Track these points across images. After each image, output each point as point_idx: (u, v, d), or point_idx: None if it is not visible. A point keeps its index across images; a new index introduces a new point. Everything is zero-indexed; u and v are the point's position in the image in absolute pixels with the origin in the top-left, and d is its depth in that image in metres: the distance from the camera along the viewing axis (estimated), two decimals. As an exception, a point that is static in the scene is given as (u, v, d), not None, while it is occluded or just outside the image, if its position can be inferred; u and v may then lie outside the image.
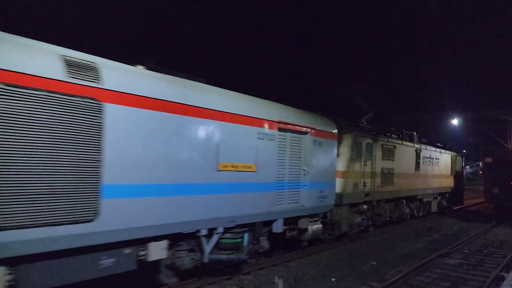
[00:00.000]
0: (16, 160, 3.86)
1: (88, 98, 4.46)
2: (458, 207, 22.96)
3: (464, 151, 25.67)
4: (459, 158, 22.46)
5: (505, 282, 6.66)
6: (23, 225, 3.88)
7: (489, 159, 19.34)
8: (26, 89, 3.89)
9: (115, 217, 4.77)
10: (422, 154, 16.92)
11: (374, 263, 9.48)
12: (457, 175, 21.62)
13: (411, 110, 29.69)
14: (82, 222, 4.40)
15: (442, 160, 19.52)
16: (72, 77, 4.35)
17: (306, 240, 9.53)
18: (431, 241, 13.10)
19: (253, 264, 8.44)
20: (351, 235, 12.20)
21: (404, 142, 15.45)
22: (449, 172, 20.72)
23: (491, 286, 7.67)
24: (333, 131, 9.75)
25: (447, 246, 11.59)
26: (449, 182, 20.78)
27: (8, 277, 4.04)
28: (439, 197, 19.79)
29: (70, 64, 4.43)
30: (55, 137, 4.17)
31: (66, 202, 4.25)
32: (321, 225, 9.61)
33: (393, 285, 7.59)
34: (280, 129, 7.79)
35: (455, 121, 26.86)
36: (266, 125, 7.39)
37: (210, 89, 6.80)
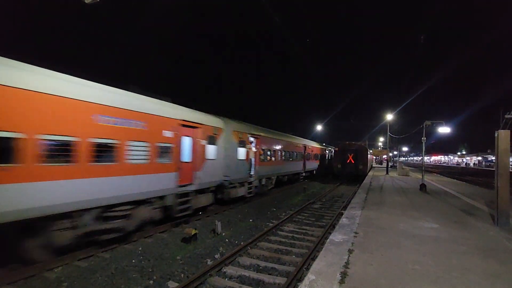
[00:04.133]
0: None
1: None
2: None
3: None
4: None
5: (343, 215, 10.81)
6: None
7: (336, 148, 29.39)
8: None
9: None
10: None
11: (274, 209, 14.43)
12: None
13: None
14: None
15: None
16: None
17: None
18: (305, 195, 19.37)
19: (202, 214, 12.44)
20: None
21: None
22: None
23: (336, 218, 12.55)
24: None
25: (313, 198, 17.75)
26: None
27: None
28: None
29: None
30: None
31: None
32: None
33: (285, 221, 12.04)
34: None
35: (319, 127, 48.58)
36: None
37: None
